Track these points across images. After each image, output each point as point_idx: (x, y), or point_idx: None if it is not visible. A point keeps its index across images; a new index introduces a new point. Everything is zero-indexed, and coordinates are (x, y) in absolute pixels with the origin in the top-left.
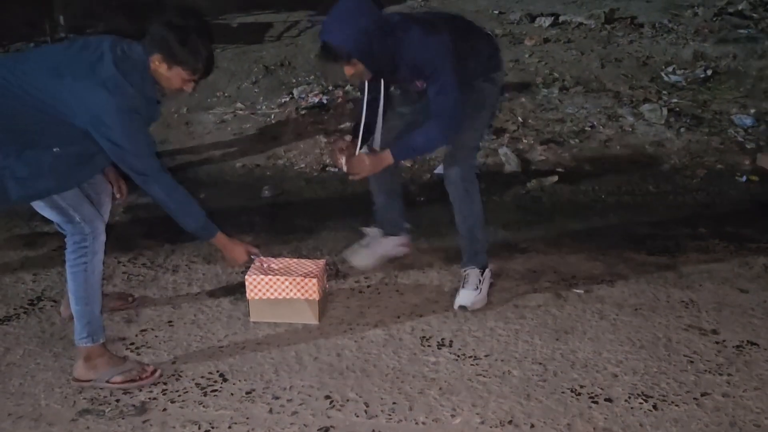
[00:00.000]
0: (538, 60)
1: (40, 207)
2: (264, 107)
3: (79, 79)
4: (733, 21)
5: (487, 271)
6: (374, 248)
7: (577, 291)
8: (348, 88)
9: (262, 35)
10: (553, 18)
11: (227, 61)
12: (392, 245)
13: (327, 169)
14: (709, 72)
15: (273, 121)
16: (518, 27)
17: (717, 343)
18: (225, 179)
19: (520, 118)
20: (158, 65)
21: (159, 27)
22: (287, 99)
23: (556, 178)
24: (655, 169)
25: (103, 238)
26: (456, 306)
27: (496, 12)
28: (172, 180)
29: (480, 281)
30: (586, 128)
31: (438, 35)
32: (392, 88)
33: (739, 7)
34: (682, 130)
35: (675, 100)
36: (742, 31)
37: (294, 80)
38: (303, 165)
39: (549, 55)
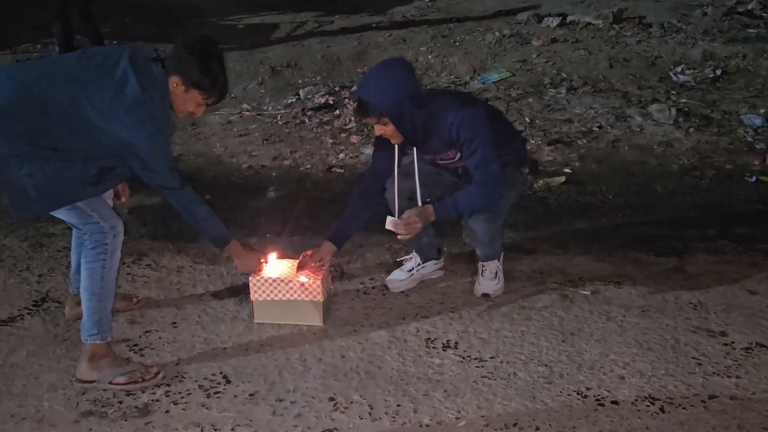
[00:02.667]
0: (546, 60)
1: (58, 212)
2: (270, 108)
3: (106, 102)
4: (742, 20)
5: (501, 257)
6: (414, 274)
7: (584, 292)
8: (354, 88)
9: (269, 36)
10: (560, 18)
11: (233, 62)
12: (431, 270)
13: (333, 170)
14: (719, 72)
15: (279, 122)
16: (525, 27)
17: (725, 345)
18: (231, 180)
19: (527, 119)
20: (176, 87)
21: (181, 50)
22: (293, 100)
23: (563, 178)
24: (663, 169)
25: (122, 236)
26: (479, 294)
27: (504, 12)
28: (193, 194)
29: (498, 270)
30: (594, 128)
31: (473, 106)
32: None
33: (749, 7)
34: (691, 130)
35: (684, 100)
36: (751, 30)
37: (300, 81)
38: (309, 166)
39: (557, 56)
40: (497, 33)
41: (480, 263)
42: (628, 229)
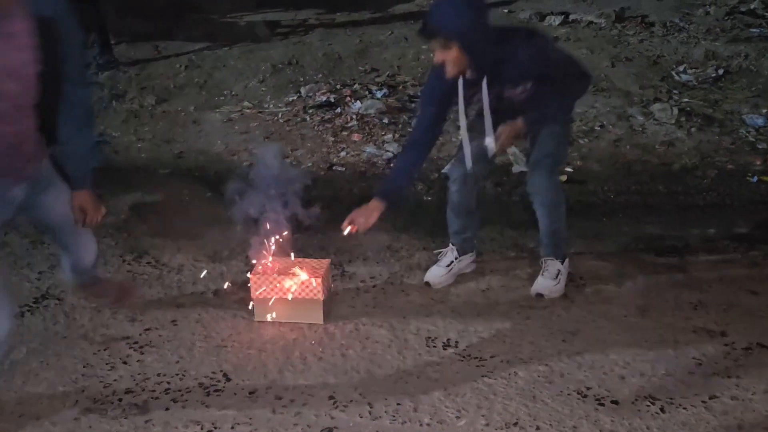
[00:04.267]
0: None
1: None
2: (271, 106)
3: None
4: (745, 20)
5: (566, 261)
6: (452, 266)
7: (585, 291)
8: (356, 87)
9: (270, 33)
10: (563, 17)
11: (234, 59)
12: (466, 263)
13: (334, 168)
14: (721, 71)
15: (280, 120)
16: (528, 25)
17: (726, 345)
18: (233, 177)
19: None
20: None
21: None
22: (295, 97)
23: (564, 177)
24: (665, 169)
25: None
26: (533, 293)
27: (506, 10)
28: None
29: (559, 272)
30: (596, 128)
31: (544, 39)
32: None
33: (752, 6)
34: (693, 129)
35: (686, 100)
36: (754, 30)
37: (301, 79)
38: (310, 164)
39: None
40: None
41: (542, 259)
42: (629, 229)
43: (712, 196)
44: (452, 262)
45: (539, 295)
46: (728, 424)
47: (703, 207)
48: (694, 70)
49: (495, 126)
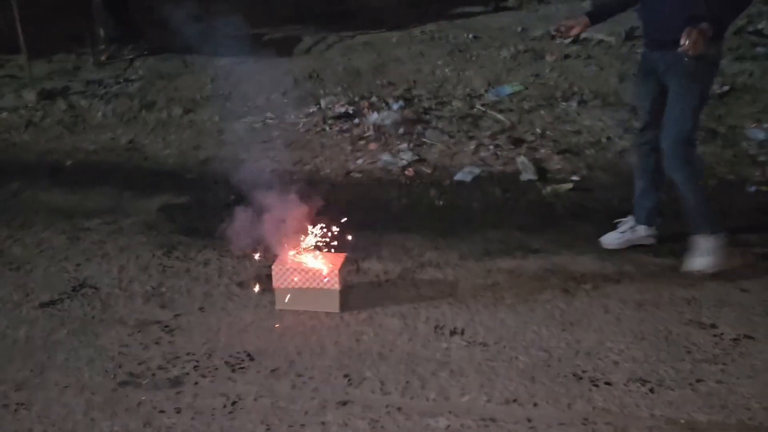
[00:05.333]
0: (558, 75)
1: None
2: (292, 117)
3: None
4: (752, 39)
5: (716, 235)
6: (625, 234)
7: (585, 287)
8: (374, 99)
9: (292, 49)
10: None
11: (258, 72)
12: (643, 234)
13: (351, 174)
14: (726, 88)
15: (301, 130)
16: (540, 43)
17: (715, 336)
18: (256, 182)
19: (538, 130)
20: None
21: None
22: (315, 109)
23: (570, 185)
24: (667, 178)
25: None
26: (685, 269)
27: (519, 29)
28: None
29: (709, 247)
30: (603, 140)
31: None
32: None
33: (759, 27)
34: (697, 142)
35: None
36: (760, 49)
37: (322, 91)
38: (329, 171)
39: (569, 70)
40: (512, 48)
41: (692, 237)
42: None
43: (712, 204)
44: (627, 229)
45: (692, 272)
46: (712, 404)
47: None
48: None
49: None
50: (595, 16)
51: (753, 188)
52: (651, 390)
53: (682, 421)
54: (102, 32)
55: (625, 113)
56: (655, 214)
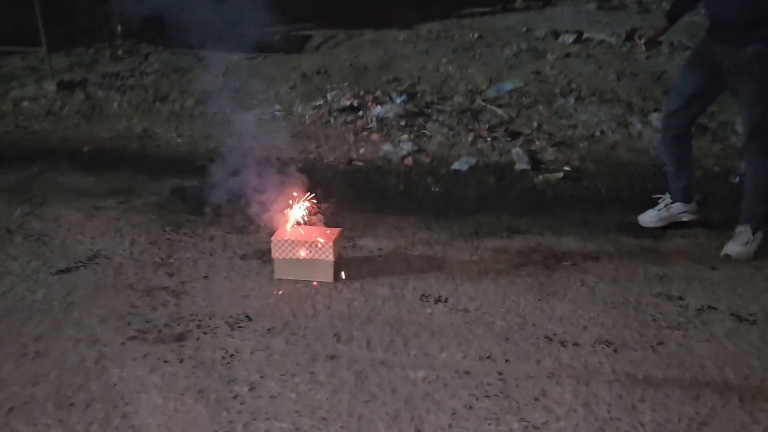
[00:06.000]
0: (558, 72)
1: None
2: (299, 109)
3: None
4: None
5: (759, 232)
6: (662, 212)
7: (565, 264)
8: (378, 94)
9: (302, 46)
10: (576, 35)
11: (268, 68)
12: (679, 210)
13: (353, 162)
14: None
15: (307, 121)
16: (543, 43)
17: (681, 306)
18: (262, 168)
19: (535, 123)
20: None
21: None
22: (321, 102)
23: (561, 174)
24: (655, 170)
25: None
26: (722, 254)
27: (524, 29)
28: None
29: (750, 239)
30: (596, 133)
31: None
32: None
33: None
34: None
35: None
36: None
37: (328, 86)
38: (332, 159)
39: (569, 69)
40: (515, 47)
41: (738, 227)
42: (614, 218)
43: (696, 194)
44: (663, 207)
45: (726, 256)
46: (670, 363)
47: None
48: None
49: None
50: (672, 16)
51: (737, 179)
52: (615, 351)
53: (640, 376)
54: (119, 28)
55: (620, 109)
56: (690, 191)
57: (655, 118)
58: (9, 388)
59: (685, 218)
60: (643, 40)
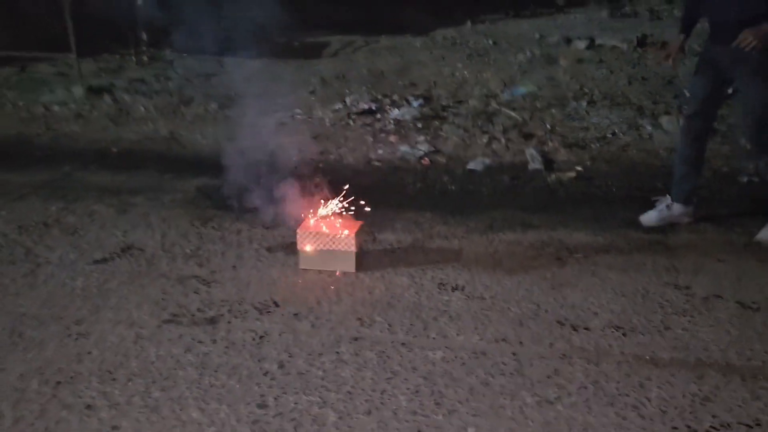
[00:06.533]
0: (571, 77)
1: None
2: (319, 113)
3: None
4: None
5: None
6: (662, 212)
7: (576, 256)
8: (395, 97)
9: (321, 52)
10: (588, 41)
11: (289, 73)
12: (679, 212)
13: (372, 163)
14: (730, 90)
15: (327, 124)
16: (556, 49)
17: (687, 295)
18: (284, 168)
19: (548, 126)
20: None
21: None
22: (340, 106)
23: (574, 174)
24: (666, 170)
25: None
26: (755, 238)
27: (537, 35)
28: None
29: None
30: (608, 135)
31: None
32: None
33: None
34: None
35: None
36: None
37: (347, 91)
38: (351, 159)
39: (581, 73)
40: (528, 53)
41: None
42: (624, 215)
43: (704, 192)
44: (664, 208)
45: (758, 243)
46: (675, 346)
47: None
48: None
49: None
50: (686, 28)
51: (745, 179)
52: (624, 334)
53: (648, 357)
54: (144, 36)
55: (631, 112)
56: (693, 195)
57: (665, 120)
58: (55, 364)
59: (684, 221)
60: (669, 61)
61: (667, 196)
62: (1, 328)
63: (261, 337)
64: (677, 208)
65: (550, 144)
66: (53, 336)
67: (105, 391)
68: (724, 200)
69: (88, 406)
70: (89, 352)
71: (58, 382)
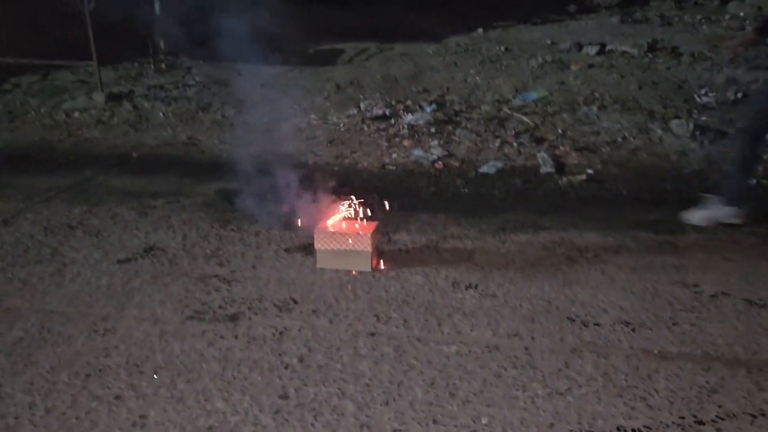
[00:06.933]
0: (582, 82)
1: None
2: (334, 118)
3: None
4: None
5: None
6: (711, 211)
7: (587, 256)
8: (408, 103)
9: (335, 59)
10: (599, 47)
11: (304, 80)
12: (725, 214)
13: (386, 167)
14: (740, 95)
15: (342, 129)
16: (567, 54)
17: (696, 292)
18: (301, 172)
19: (560, 130)
20: None
21: None
22: (355, 111)
23: (584, 176)
24: (675, 173)
25: None
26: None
27: (548, 42)
28: None
29: None
30: (618, 139)
31: None
32: None
33: None
34: (706, 142)
35: (704, 118)
36: None
37: (361, 96)
38: (366, 163)
39: (592, 78)
40: (540, 59)
41: None
42: (635, 216)
43: (713, 193)
44: (712, 207)
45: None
46: (683, 340)
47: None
48: (714, 93)
49: None
50: (760, 31)
51: (754, 181)
52: (633, 330)
53: (656, 351)
54: (162, 44)
55: (641, 116)
56: (744, 197)
57: (675, 124)
58: (83, 358)
59: (733, 221)
60: (736, 50)
61: (715, 196)
62: (30, 324)
63: (281, 332)
64: (727, 210)
65: (561, 148)
66: (81, 332)
67: (133, 383)
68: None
69: (117, 397)
70: (116, 347)
71: (88, 375)
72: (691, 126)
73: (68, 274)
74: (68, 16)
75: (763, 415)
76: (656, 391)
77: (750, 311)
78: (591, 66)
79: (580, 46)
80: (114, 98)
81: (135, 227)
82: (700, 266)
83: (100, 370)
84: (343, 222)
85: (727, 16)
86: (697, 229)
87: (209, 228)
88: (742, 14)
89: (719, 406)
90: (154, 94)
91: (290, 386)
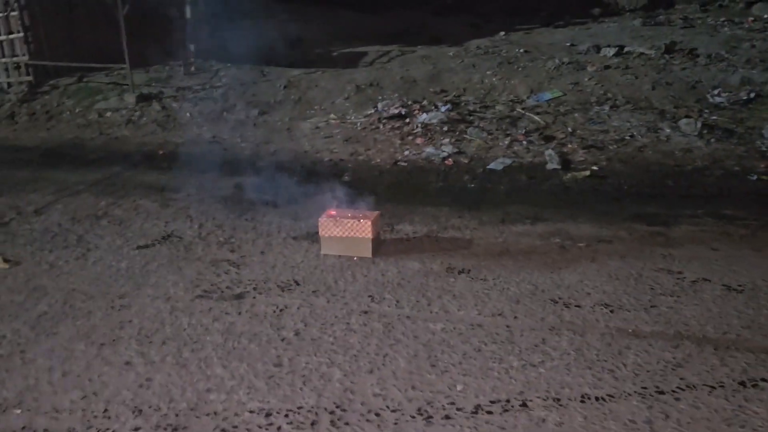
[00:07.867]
0: (596, 83)
1: None
2: (352, 117)
3: None
4: None
5: None
6: None
7: (580, 245)
8: (425, 103)
9: (357, 61)
10: (617, 49)
11: (325, 81)
12: None
13: (398, 163)
14: (753, 95)
15: (358, 128)
16: (585, 56)
17: (678, 279)
18: (316, 168)
19: (569, 129)
20: None
21: None
22: (372, 111)
23: (588, 172)
24: (678, 169)
25: None
26: None
27: (568, 44)
28: None
29: None
30: (626, 137)
31: None
32: None
33: None
34: (713, 140)
35: (714, 117)
36: None
37: (380, 97)
38: (378, 160)
39: (606, 79)
40: (557, 60)
41: None
42: (632, 210)
43: (713, 189)
44: None
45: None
46: (657, 320)
47: (702, 197)
48: (727, 93)
49: None
50: None
51: (754, 177)
52: (611, 311)
53: (630, 330)
54: (191, 48)
55: (652, 116)
56: None
57: (683, 123)
58: (100, 330)
59: None
60: None
61: None
62: (54, 301)
63: (281, 310)
64: None
65: (570, 146)
66: (99, 307)
67: (142, 352)
68: (732, 197)
69: (127, 363)
70: (130, 321)
71: (102, 344)
72: (699, 125)
73: (91, 258)
74: (103, 21)
75: (722, 386)
76: (624, 365)
77: (727, 296)
78: (607, 67)
79: (598, 48)
80: (144, 99)
81: (156, 217)
82: (687, 255)
83: (113, 341)
84: (347, 211)
85: (751, 18)
86: (689, 221)
87: (225, 218)
88: (766, 16)
89: (681, 378)
90: (182, 95)
91: (284, 356)
